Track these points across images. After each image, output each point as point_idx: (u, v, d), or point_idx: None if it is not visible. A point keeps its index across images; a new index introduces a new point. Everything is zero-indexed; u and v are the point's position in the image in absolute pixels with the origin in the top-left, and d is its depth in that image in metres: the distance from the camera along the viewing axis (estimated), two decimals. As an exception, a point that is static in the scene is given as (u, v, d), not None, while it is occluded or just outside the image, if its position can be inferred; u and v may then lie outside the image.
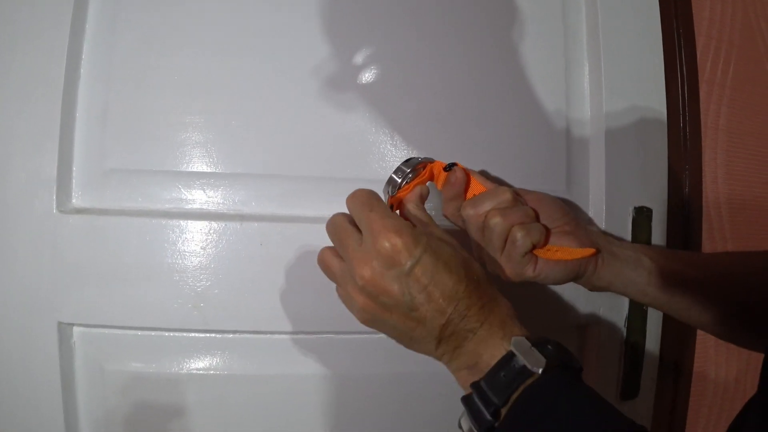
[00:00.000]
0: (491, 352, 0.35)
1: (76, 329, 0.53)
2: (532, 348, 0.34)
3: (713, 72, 0.71)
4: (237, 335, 0.54)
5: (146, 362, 0.54)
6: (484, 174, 0.53)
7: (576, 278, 0.46)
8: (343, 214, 0.40)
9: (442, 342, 0.37)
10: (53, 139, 0.50)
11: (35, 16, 0.50)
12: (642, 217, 0.62)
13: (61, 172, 0.51)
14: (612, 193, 0.62)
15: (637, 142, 0.63)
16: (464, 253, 0.39)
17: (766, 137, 0.73)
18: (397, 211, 0.45)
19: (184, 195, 0.53)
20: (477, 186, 0.47)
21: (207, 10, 0.54)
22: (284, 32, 0.55)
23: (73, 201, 0.52)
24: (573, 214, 0.47)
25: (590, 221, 0.63)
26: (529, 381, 0.33)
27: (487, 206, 0.44)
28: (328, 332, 0.54)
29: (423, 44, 0.59)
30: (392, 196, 0.46)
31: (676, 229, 0.65)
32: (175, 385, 0.54)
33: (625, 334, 0.62)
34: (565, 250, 0.44)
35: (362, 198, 0.39)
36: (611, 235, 0.50)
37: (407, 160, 0.47)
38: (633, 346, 0.62)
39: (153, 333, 0.53)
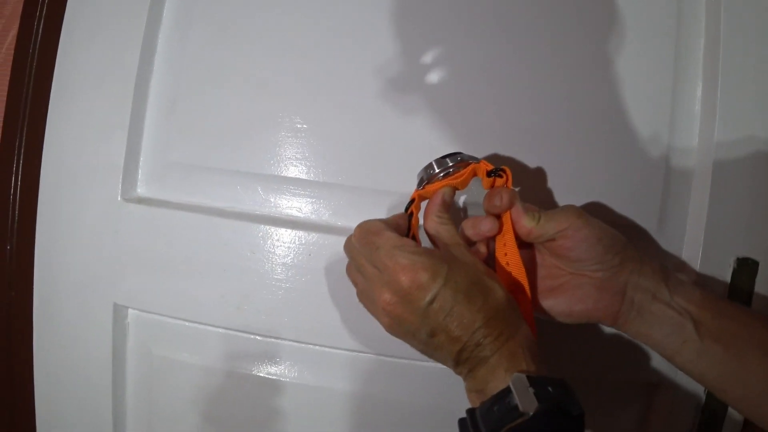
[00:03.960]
0: (495, 383, 0.35)
1: (130, 311, 0.55)
2: (529, 388, 0.33)
3: None
4: (277, 341, 0.53)
5: (190, 353, 0.55)
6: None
7: (590, 322, 0.44)
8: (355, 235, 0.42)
9: (459, 364, 0.37)
10: (123, 128, 0.52)
11: (113, 9, 0.51)
12: (745, 269, 0.53)
13: (128, 162, 0.52)
14: (712, 238, 0.53)
15: (749, 180, 0.54)
16: (486, 277, 0.38)
17: None
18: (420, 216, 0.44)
19: (241, 195, 0.53)
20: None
21: (281, 8, 0.53)
22: (363, 33, 0.52)
23: (138, 190, 0.54)
24: (618, 259, 0.42)
25: (681, 266, 0.55)
26: (519, 421, 0.32)
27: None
28: (368, 352, 0.52)
29: (508, 50, 0.53)
30: (420, 189, 0.43)
31: (786, 286, 0.55)
32: (214, 378, 0.54)
33: (703, 399, 0.54)
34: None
35: (366, 235, 0.40)
36: (672, 275, 0.43)
37: (453, 154, 0.44)
38: (711, 415, 0.54)
39: (199, 326, 0.54)
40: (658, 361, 0.54)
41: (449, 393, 0.51)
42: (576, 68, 0.54)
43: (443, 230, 0.41)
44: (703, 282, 0.53)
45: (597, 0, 0.54)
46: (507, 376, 0.34)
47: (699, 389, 0.54)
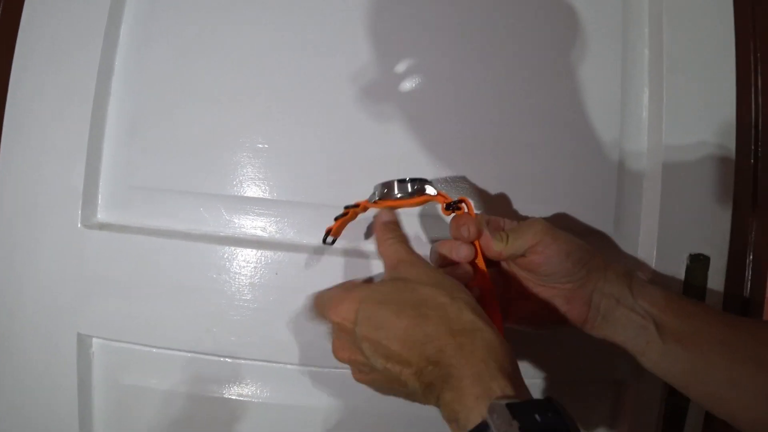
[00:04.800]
0: (466, 414, 0.30)
1: (95, 341, 0.54)
2: (513, 421, 0.27)
3: (795, 103, 0.63)
4: (248, 362, 0.53)
5: (159, 379, 0.54)
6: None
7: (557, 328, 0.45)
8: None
9: (426, 392, 0.33)
10: (81, 154, 0.51)
11: (69, 33, 0.50)
12: (698, 265, 0.56)
13: (87, 188, 0.51)
14: (666, 236, 0.56)
15: (698, 180, 0.57)
16: (426, 287, 0.35)
17: None
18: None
19: (204, 217, 0.52)
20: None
21: (242, 27, 0.53)
22: (320, 50, 0.53)
23: (98, 216, 0.53)
24: (585, 270, 0.43)
25: (638, 265, 0.57)
26: None
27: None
28: (339, 367, 0.51)
29: (467, 65, 0.55)
30: (371, 202, 0.44)
31: (736, 280, 0.58)
32: (186, 404, 0.54)
33: (666, 392, 0.56)
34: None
35: (315, 307, 0.41)
36: (635, 278, 0.45)
37: (417, 180, 0.44)
38: (674, 406, 0.56)
39: (166, 351, 0.53)
40: (621, 359, 0.55)
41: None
42: (531, 82, 0.56)
43: (390, 251, 0.41)
44: (659, 280, 0.56)
45: (549, 19, 0.57)
46: (479, 405, 0.29)
47: (662, 383, 0.56)
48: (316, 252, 0.51)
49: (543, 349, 0.54)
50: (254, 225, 0.53)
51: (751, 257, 0.59)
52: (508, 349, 0.33)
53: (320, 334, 0.51)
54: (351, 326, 0.35)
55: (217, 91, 0.53)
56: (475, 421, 0.29)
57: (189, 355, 0.53)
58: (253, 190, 0.52)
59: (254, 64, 0.53)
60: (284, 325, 0.51)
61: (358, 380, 0.38)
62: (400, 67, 0.54)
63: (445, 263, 0.44)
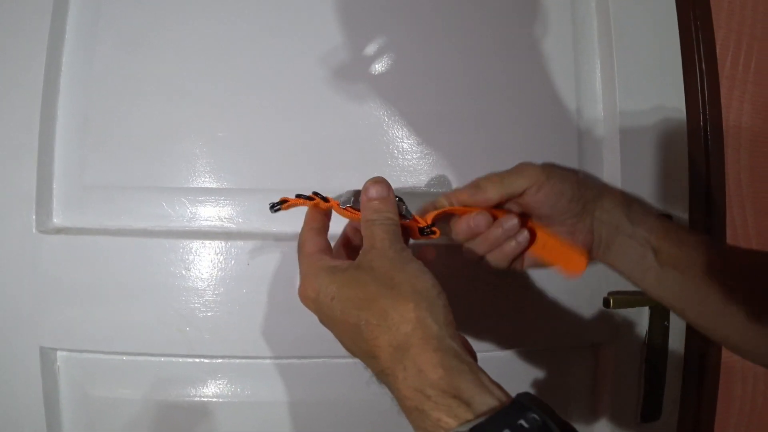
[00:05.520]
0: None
1: (59, 354, 0.51)
2: None
3: (734, 67, 0.66)
4: (225, 360, 0.51)
5: (132, 388, 0.51)
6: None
7: None
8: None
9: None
10: (32, 155, 0.48)
11: (11, 28, 0.48)
12: (661, 224, 0.58)
13: (40, 190, 0.49)
14: (628, 198, 0.58)
15: (654, 143, 0.59)
16: (379, 288, 0.32)
17: (794, 135, 0.67)
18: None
19: (167, 212, 0.51)
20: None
21: (191, 16, 0.52)
22: (272, 40, 0.53)
23: (54, 220, 0.50)
24: (581, 205, 0.43)
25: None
26: None
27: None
28: (320, 356, 0.51)
29: (425, 42, 0.55)
30: (342, 206, 0.40)
31: (698, 236, 0.60)
32: (163, 412, 0.51)
33: (645, 352, 0.57)
34: (553, 248, 0.43)
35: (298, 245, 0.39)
36: (634, 206, 0.45)
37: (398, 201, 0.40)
38: (653, 364, 0.57)
39: (138, 358, 0.51)
40: (596, 323, 0.57)
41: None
42: (492, 62, 0.57)
43: (368, 233, 0.37)
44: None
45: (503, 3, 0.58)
46: (421, 418, 0.27)
47: (639, 342, 0.58)
48: (288, 239, 0.50)
49: (519, 318, 0.55)
50: (221, 216, 0.51)
51: (710, 213, 0.62)
52: (449, 360, 0.29)
53: (298, 324, 0.50)
54: (315, 310, 0.35)
55: (171, 82, 0.51)
56: None
57: (162, 359, 0.51)
58: (217, 181, 0.51)
59: (207, 52, 0.51)
60: (260, 318, 0.50)
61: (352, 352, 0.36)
62: (361, 47, 0.54)
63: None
